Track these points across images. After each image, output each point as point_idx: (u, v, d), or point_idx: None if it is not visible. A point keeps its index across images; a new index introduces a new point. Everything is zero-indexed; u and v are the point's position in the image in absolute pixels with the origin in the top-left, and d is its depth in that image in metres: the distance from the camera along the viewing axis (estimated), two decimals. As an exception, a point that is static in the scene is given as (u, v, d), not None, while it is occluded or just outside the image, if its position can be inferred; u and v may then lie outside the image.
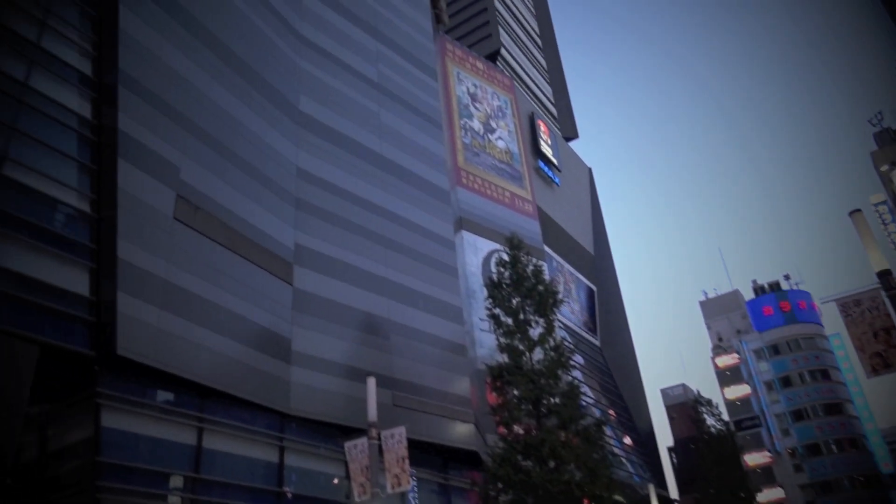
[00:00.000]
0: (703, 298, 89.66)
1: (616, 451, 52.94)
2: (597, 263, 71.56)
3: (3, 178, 18.01)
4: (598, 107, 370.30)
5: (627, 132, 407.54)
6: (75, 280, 19.03)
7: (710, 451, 51.52)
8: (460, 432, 31.07)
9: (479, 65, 58.24)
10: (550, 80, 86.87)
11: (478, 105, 54.93)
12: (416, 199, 35.79)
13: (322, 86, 33.01)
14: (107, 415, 18.99)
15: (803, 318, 79.47)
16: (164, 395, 20.94)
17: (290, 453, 24.36)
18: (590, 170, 79.53)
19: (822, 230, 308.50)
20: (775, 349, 78.48)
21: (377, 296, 30.44)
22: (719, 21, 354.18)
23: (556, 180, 64.48)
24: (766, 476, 72.14)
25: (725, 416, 66.00)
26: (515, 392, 24.20)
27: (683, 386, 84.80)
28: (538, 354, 25.41)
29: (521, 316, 25.98)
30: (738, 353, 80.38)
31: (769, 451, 74.07)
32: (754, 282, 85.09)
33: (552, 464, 22.59)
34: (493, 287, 27.06)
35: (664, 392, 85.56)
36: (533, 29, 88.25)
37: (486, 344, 36.96)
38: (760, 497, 63.98)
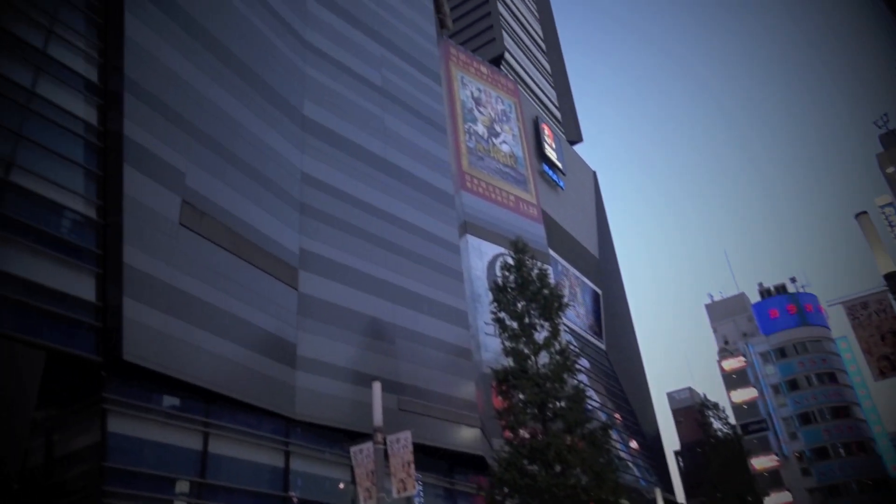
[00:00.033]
0: (708, 301, 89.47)
1: (622, 454, 52.78)
2: (602, 267, 71.46)
3: (9, 184, 18.13)
4: (598, 107, 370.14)
5: (629, 134, 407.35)
6: (82, 285, 19.11)
7: (716, 454, 51.29)
8: (466, 436, 31.02)
9: (483, 69, 58.32)
10: (554, 83, 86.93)
11: (482, 109, 54.99)
12: (421, 203, 35.82)
13: (326, 90, 33.12)
14: (113, 420, 19.04)
15: (810, 320, 79.18)
16: (170, 400, 20.99)
17: (296, 458, 24.37)
18: (594, 173, 79.48)
19: (828, 232, 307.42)
20: (782, 352, 78.18)
21: (382, 300, 30.46)
22: (719, 21, 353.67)
23: (561, 184, 64.46)
24: (774, 480, 71.79)
25: (732, 420, 65.79)
26: (521, 396, 24.11)
27: (690, 389, 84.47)
28: (543, 358, 25.33)
29: (527, 320, 25.90)
30: (744, 356, 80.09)
31: (776, 455, 73.71)
32: (760, 284, 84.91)
33: (558, 468, 22.50)
34: (498, 291, 27.00)
35: (670, 395, 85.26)
36: (536, 33, 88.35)
37: (492, 348, 36.92)
38: (768, 501, 63.68)
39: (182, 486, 20.28)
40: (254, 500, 22.29)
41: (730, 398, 78.81)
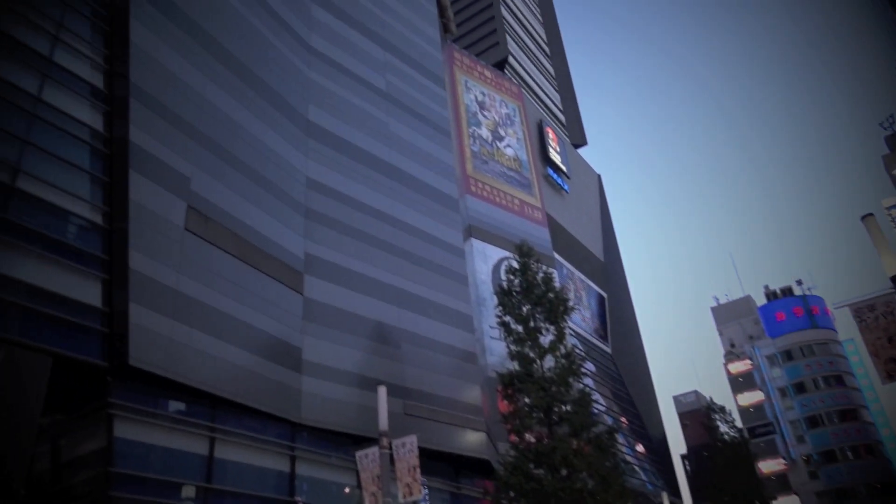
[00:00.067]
0: (714, 304, 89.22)
1: (628, 458, 52.59)
2: (607, 270, 71.35)
3: (16, 190, 18.21)
4: (599, 108, 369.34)
5: (631, 135, 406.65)
6: (88, 291, 19.17)
7: (723, 458, 51.07)
8: (471, 441, 30.96)
9: (487, 73, 58.39)
10: (558, 87, 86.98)
11: (486, 113, 55.04)
12: (425, 208, 35.85)
13: (331, 96, 33.20)
14: (119, 425, 19.07)
15: (817, 323, 78.83)
16: (175, 406, 21.01)
17: (302, 463, 24.36)
18: (599, 176, 79.43)
19: (834, 234, 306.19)
20: (788, 355, 77.85)
21: (387, 304, 30.46)
22: (719, 21, 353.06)
23: (566, 187, 64.43)
24: (781, 483, 71.36)
25: (739, 423, 65.48)
26: (526, 400, 24.08)
27: (696, 393, 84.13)
28: (549, 362, 25.29)
29: (532, 323, 25.88)
30: (750, 359, 79.78)
31: (784, 458, 73.32)
32: (766, 287, 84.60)
33: (564, 472, 22.45)
34: (504, 295, 26.98)
35: (676, 399, 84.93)
36: (540, 37, 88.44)
37: (497, 352, 36.88)
38: (775, 505, 63.31)
39: (188, 491, 20.29)
40: (260, 504, 22.28)
41: (736, 401, 78.46)
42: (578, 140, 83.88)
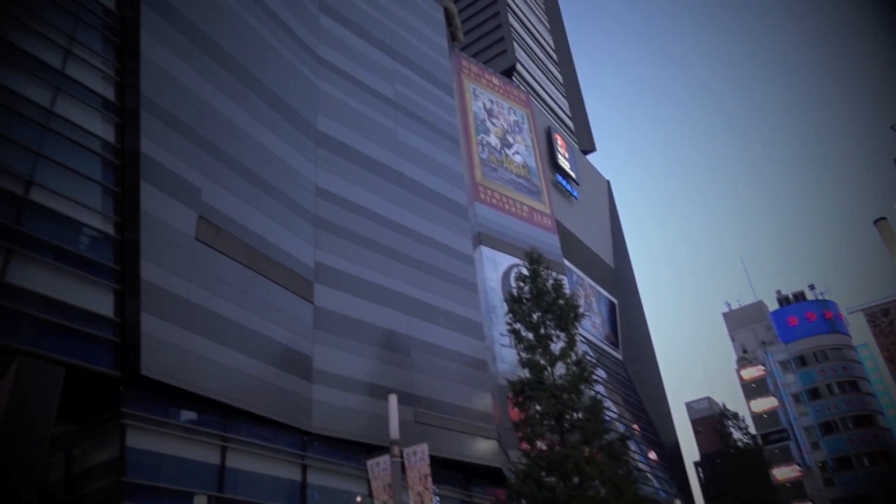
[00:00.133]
0: (726, 310, 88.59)
1: (641, 466, 52.23)
2: (617, 276, 71.09)
3: (29, 202, 18.40)
4: (606, 113, 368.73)
5: (633, 137, 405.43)
6: (100, 301, 19.31)
7: (737, 465, 50.63)
8: (483, 449, 30.87)
9: (495, 80, 58.50)
10: (566, 93, 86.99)
11: (494, 120, 55.11)
12: (435, 215, 35.89)
13: (339, 105, 33.36)
14: (132, 435, 19.16)
15: (830, 328, 78.12)
16: (187, 415, 21.09)
17: (313, 471, 24.36)
18: (608, 182, 79.26)
19: (846, 238, 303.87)
20: (802, 360, 77.15)
21: (397, 312, 30.48)
22: (719, 21, 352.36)
23: (575, 194, 64.34)
24: (797, 490, 70.63)
25: (752, 430, 64.97)
26: (538, 407, 23.98)
27: (709, 399, 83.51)
28: (560, 369, 25.20)
29: (542, 330, 25.80)
30: (763, 364, 79.13)
31: (799, 465, 72.56)
32: (778, 292, 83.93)
33: (576, 480, 22.32)
34: (514, 302, 26.93)
35: (689, 406, 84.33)
36: (548, 44, 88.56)
37: (508, 359, 36.78)
38: (791, 512, 62.68)
39: (200, 501, 20.31)
40: (271, 514, 22.28)
41: (749, 408, 77.80)
42: (587, 146, 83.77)
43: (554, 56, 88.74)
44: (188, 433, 20.77)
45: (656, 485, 55.32)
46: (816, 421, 73.62)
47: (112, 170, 21.14)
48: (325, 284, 27.66)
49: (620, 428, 48.40)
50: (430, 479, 15.46)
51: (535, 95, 72.74)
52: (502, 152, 53.85)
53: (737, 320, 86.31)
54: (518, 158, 55.48)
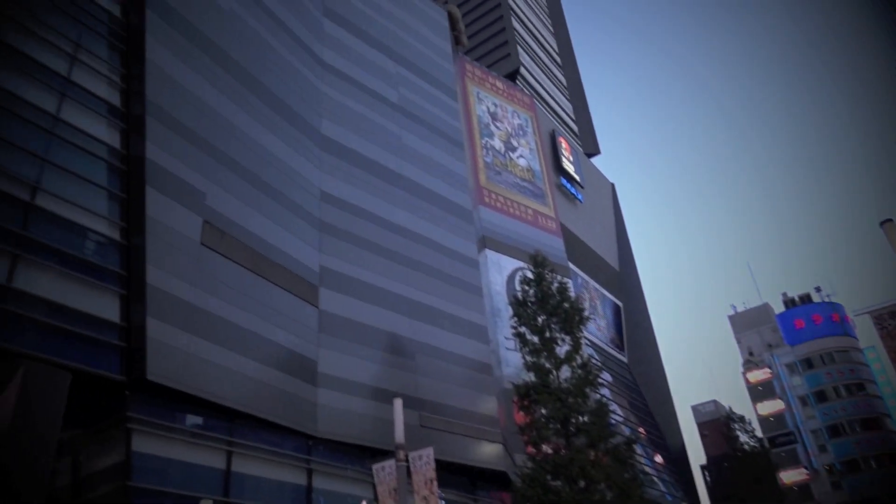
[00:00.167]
0: (731, 312, 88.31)
1: (647, 469, 52.06)
2: (622, 279, 70.97)
3: (35, 207, 18.49)
4: (606, 114, 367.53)
5: (634, 137, 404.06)
6: (106, 306, 19.37)
7: (743, 468, 50.44)
8: (488, 452, 30.81)
9: (499, 84, 58.56)
10: (570, 96, 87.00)
11: (498, 124, 55.15)
12: (439, 219, 35.91)
13: (343, 109, 33.45)
14: (137, 439, 19.19)
15: (836, 330, 77.79)
16: (193, 419, 21.13)
17: (318, 476, 24.35)
18: (612, 185, 79.21)
19: (853, 240, 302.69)
20: (808, 363, 76.84)
21: (402, 316, 30.49)
22: (719, 21, 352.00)
23: (579, 197, 64.31)
24: (804, 494, 70.29)
25: (759, 433, 64.67)
26: (543, 411, 23.96)
27: (715, 402, 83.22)
28: (565, 372, 25.17)
29: (547, 334, 25.78)
30: (769, 367, 78.83)
31: (806, 468, 72.21)
32: (784, 294, 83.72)
33: (582, 483, 22.27)
34: (518, 305, 26.93)
35: (695, 409, 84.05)
36: (552, 47, 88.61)
37: (513, 363, 36.74)
38: (798, 516, 62.36)
39: (206, 505, 20.34)
40: (277, 518, 22.28)
41: (756, 410, 77.49)
42: (591, 149, 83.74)
43: (557, 59, 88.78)
44: (194, 437, 20.80)
45: (662, 488, 55.12)
46: (823, 424, 73.27)
47: (117, 175, 21.23)
48: (329, 288, 27.69)
49: (626, 431, 48.24)
50: (435, 483, 15.45)
51: (538, 99, 72.78)
52: (506, 156, 53.87)
53: (742, 323, 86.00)
54: (522, 162, 55.49)
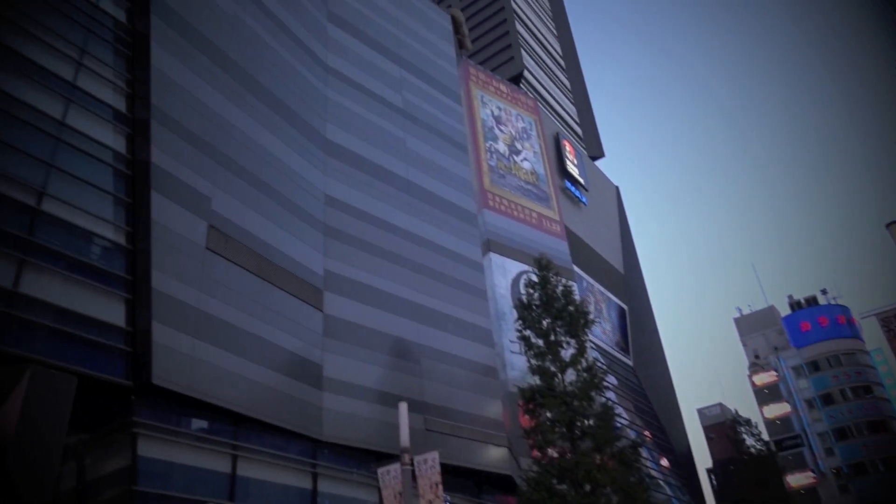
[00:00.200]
0: (737, 315, 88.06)
1: (653, 473, 51.89)
2: (627, 282, 70.84)
3: (41, 212, 18.56)
4: (607, 114, 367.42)
5: (641, 141, 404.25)
6: (112, 311, 19.42)
7: (750, 472, 50.20)
8: (493, 456, 30.76)
9: (503, 87, 58.61)
10: (574, 99, 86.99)
11: (502, 127, 55.17)
12: (444, 223, 35.92)
13: (348, 113, 33.51)
14: (143, 443, 19.22)
15: (843, 332, 77.43)
16: (198, 424, 21.14)
17: (324, 480, 24.34)
18: (617, 188, 79.13)
19: (859, 242, 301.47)
20: (815, 365, 76.51)
21: (407, 320, 30.49)
22: (719, 21, 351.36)
23: (584, 200, 64.25)
24: (811, 497, 69.89)
25: (765, 436, 64.37)
26: (548, 414, 23.88)
27: (721, 405, 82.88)
28: (570, 376, 25.10)
29: (552, 337, 25.72)
30: (775, 370, 78.52)
31: (813, 472, 71.84)
32: (790, 297, 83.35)
33: (588, 487, 22.20)
34: (523, 308, 26.87)
35: (701, 412, 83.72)
36: (555, 50, 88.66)
37: (518, 366, 36.67)
38: (806, 519, 62.03)
39: (211, 510, 20.35)
40: (282, 522, 22.27)
41: (762, 413, 77.17)
42: (595, 152, 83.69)
43: (561, 62, 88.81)
44: (199, 442, 20.82)
45: (668, 492, 54.92)
46: (830, 427, 72.92)
47: (123, 180, 21.31)
48: (334, 292, 27.71)
49: (632, 435, 48.06)
50: (440, 487, 15.40)
51: (542, 102, 72.80)
52: (510, 159, 53.88)
53: (748, 325, 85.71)
54: (526, 165, 55.49)
